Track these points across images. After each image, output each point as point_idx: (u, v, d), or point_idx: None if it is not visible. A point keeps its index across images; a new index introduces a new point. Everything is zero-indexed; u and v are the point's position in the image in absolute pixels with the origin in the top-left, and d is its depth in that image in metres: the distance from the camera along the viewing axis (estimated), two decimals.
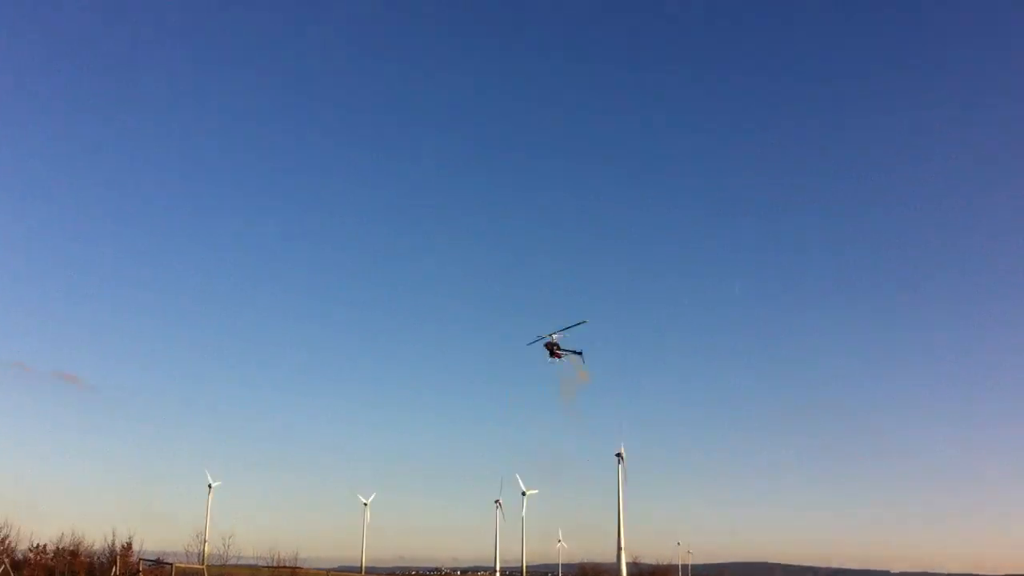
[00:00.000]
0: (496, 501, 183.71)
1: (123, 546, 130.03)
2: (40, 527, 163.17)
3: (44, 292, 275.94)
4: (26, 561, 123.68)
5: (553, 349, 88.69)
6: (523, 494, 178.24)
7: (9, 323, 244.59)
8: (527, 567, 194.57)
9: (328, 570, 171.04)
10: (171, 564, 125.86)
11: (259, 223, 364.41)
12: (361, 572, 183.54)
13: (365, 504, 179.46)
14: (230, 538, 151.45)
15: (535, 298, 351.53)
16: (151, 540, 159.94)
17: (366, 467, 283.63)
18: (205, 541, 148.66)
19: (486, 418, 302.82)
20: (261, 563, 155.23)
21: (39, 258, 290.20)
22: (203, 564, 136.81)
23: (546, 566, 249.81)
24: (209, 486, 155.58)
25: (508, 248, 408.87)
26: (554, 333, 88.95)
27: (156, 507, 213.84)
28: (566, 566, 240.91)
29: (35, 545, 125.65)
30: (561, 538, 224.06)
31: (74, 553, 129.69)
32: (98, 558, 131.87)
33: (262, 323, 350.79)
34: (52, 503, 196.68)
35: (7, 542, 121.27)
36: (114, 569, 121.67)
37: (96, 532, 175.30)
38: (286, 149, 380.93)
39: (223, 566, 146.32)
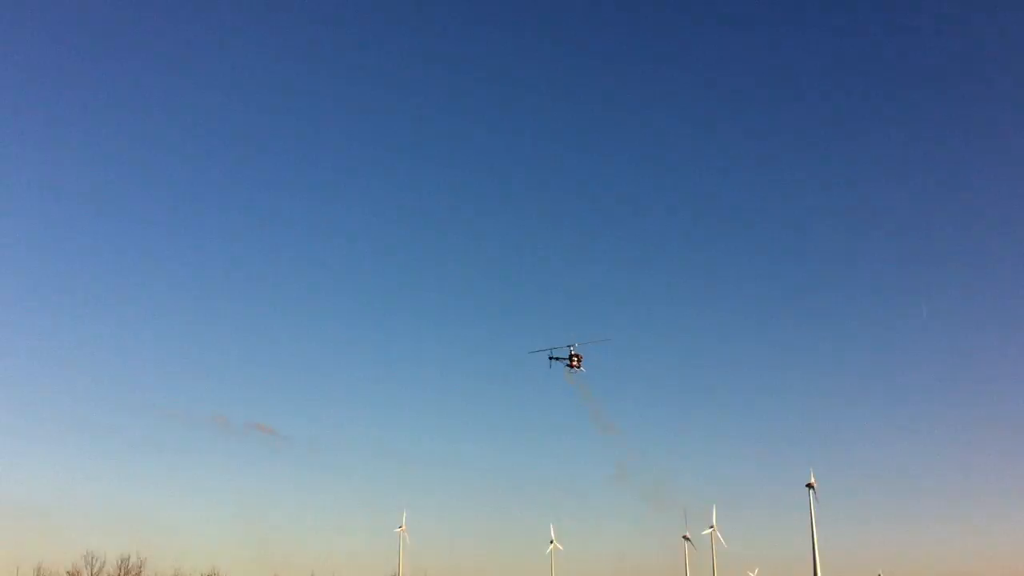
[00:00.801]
0: (684, 536, 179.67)
1: None
2: (247, 573, 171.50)
3: (241, 350, 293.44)
4: None
5: (572, 360, 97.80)
6: (711, 527, 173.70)
7: (210, 379, 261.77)
8: None
9: None
10: None
11: (429, 287, 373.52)
12: None
13: (552, 542, 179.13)
14: None
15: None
16: None
17: (553, 502, 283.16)
18: None
19: (668, 449, 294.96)
20: None
21: (233, 321, 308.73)
22: None
23: None
24: (401, 527, 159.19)
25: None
26: (570, 345, 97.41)
27: (351, 550, 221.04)
28: None
29: None
30: (755, 573, 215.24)
31: None
32: None
33: (442, 371, 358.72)
34: (256, 548, 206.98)
35: None
36: None
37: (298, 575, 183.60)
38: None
39: None
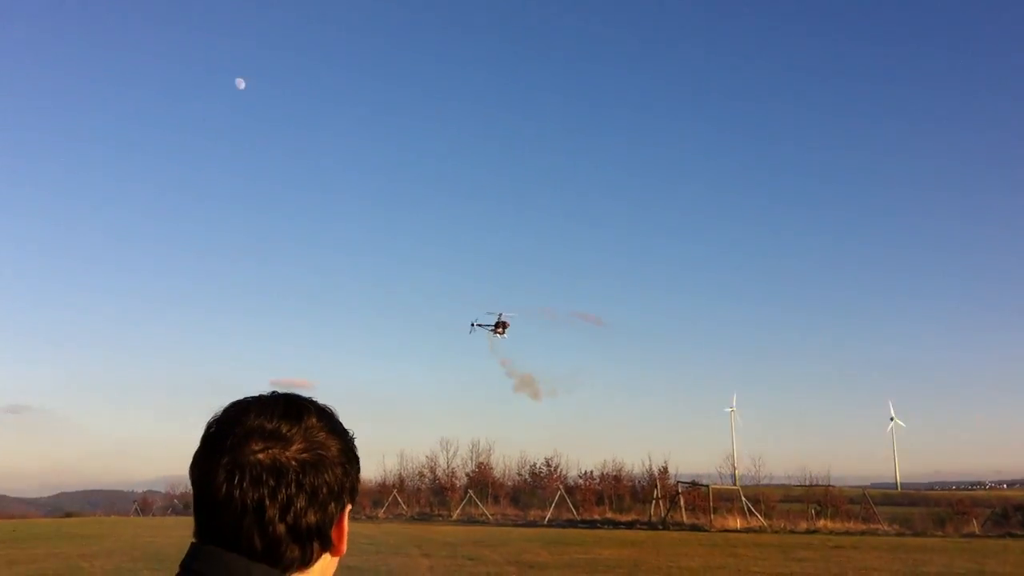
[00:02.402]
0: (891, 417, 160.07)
1: (660, 470, 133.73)
2: (585, 456, 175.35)
3: (567, 243, 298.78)
4: (576, 486, 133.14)
5: (497, 328, 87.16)
6: None
7: (538, 276, 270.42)
8: None
9: (863, 487, 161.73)
10: (707, 486, 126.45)
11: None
12: (896, 488, 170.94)
13: (892, 419, 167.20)
14: (759, 459, 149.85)
15: None
16: (684, 464, 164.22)
17: (893, 379, 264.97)
18: (734, 463, 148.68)
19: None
20: (792, 482, 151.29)
21: (557, 219, 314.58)
22: (736, 485, 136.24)
23: None
24: (730, 410, 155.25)
25: None
26: (501, 312, 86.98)
27: (686, 433, 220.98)
28: None
29: (583, 472, 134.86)
30: None
31: (617, 477, 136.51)
32: (639, 482, 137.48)
33: (761, 261, 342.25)
34: (594, 434, 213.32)
35: (559, 470, 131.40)
36: (655, 491, 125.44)
37: (634, 458, 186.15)
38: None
39: (755, 486, 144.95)
